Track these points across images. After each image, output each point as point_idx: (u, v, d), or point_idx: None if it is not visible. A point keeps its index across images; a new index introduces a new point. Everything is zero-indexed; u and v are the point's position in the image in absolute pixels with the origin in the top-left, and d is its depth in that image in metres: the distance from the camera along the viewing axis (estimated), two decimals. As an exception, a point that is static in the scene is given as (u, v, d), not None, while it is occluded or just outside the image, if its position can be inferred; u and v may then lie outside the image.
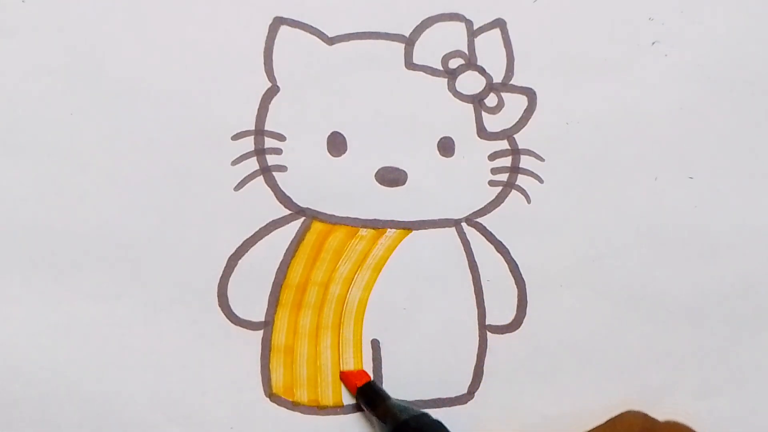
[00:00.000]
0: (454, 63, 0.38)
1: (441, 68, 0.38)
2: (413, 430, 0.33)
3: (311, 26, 0.38)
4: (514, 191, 0.38)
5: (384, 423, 0.34)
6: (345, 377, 0.37)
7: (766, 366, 0.38)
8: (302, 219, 0.37)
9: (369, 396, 0.36)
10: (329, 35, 0.38)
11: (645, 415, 0.34)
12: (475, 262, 0.38)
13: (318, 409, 0.37)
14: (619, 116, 0.38)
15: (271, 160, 0.37)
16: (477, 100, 0.38)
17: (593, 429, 0.33)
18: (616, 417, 0.33)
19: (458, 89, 0.38)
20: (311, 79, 0.38)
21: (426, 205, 0.38)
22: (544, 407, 0.37)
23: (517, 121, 0.38)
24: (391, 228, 0.38)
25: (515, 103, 0.38)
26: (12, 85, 0.37)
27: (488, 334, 0.37)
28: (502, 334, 0.37)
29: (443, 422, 0.36)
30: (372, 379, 0.36)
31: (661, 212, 0.38)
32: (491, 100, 0.38)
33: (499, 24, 0.38)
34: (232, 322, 0.37)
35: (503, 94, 0.38)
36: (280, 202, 0.37)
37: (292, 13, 0.38)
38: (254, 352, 0.37)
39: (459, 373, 0.37)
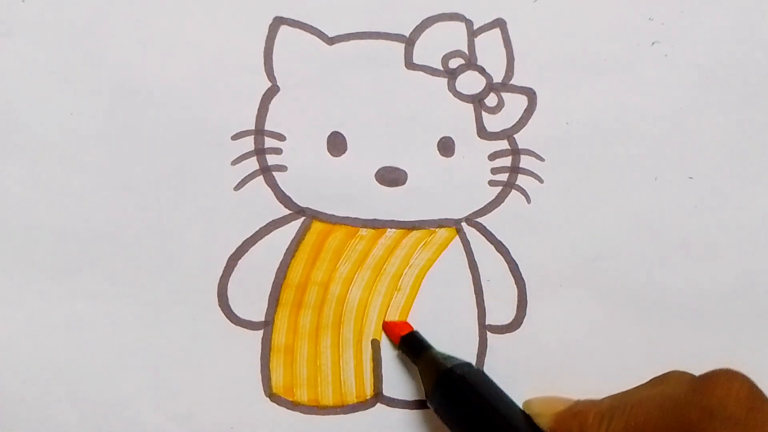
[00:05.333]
0: (454, 63, 0.38)
1: (441, 68, 0.38)
2: (458, 377, 0.34)
3: (311, 26, 0.38)
4: (514, 191, 0.38)
5: (427, 372, 0.35)
6: (387, 327, 0.37)
7: (766, 366, 0.38)
8: (302, 219, 0.37)
9: (412, 345, 0.36)
10: (329, 35, 0.38)
11: (691, 374, 0.33)
12: (475, 262, 0.38)
13: (318, 408, 0.37)
14: (619, 116, 0.38)
15: (271, 159, 0.37)
16: (477, 100, 0.38)
17: (637, 387, 0.32)
18: (661, 375, 0.32)
19: (458, 89, 0.38)
20: (311, 79, 0.38)
21: (426, 205, 0.38)
22: (544, 407, 0.37)
23: (517, 121, 0.38)
24: (391, 228, 0.38)
25: (515, 103, 0.38)
26: (12, 85, 0.37)
27: (488, 334, 0.38)
28: (502, 334, 0.38)
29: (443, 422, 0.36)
30: (414, 329, 0.37)
31: (661, 212, 0.38)
32: (491, 100, 0.38)
33: (499, 24, 0.38)
34: (232, 322, 0.37)
35: (503, 94, 0.38)
36: (280, 202, 0.37)
37: (292, 13, 0.38)
38: (254, 352, 0.37)
39: (459, 373, 0.37)
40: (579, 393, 0.37)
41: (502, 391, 0.34)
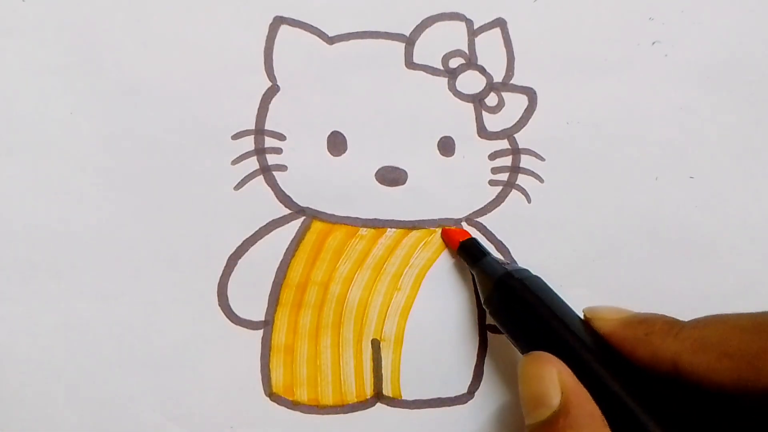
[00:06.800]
0: (455, 62, 0.38)
1: (441, 68, 0.38)
2: (517, 280, 0.34)
3: (311, 26, 0.38)
4: (514, 191, 0.38)
5: (485, 276, 0.35)
6: (446, 234, 0.37)
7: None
8: (302, 218, 0.37)
9: (471, 251, 0.36)
10: (329, 35, 0.38)
11: None
12: (475, 261, 0.38)
13: (318, 408, 0.37)
14: (619, 116, 0.38)
15: (271, 159, 0.37)
16: (477, 100, 0.38)
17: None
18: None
19: (458, 89, 0.38)
20: (311, 79, 0.38)
21: (426, 205, 0.38)
22: (544, 407, 0.37)
23: (518, 121, 0.38)
24: (391, 228, 0.38)
25: (515, 103, 0.38)
26: (12, 85, 0.37)
27: (488, 334, 0.37)
28: (503, 333, 0.37)
29: (442, 422, 0.36)
30: (473, 236, 0.37)
31: (662, 212, 0.38)
32: (491, 100, 0.38)
33: (500, 23, 0.38)
34: (232, 321, 0.37)
35: (503, 94, 0.38)
36: (280, 202, 0.37)
37: (292, 12, 0.38)
38: (254, 351, 0.37)
39: (459, 373, 0.37)
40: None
41: (560, 298, 0.34)
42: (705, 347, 0.29)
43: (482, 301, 0.35)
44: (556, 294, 0.34)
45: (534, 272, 0.37)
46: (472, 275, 0.37)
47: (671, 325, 0.30)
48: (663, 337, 0.30)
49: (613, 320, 0.32)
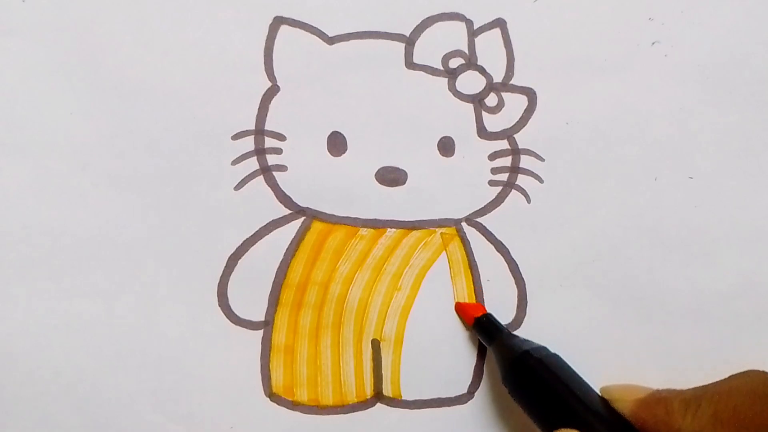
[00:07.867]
0: (455, 63, 0.38)
1: (441, 68, 0.38)
2: (535, 360, 0.34)
3: (311, 26, 0.38)
4: (514, 191, 0.38)
5: (503, 354, 0.35)
6: (461, 308, 0.37)
7: (766, 366, 0.38)
8: (302, 219, 0.37)
9: (486, 328, 0.36)
10: (329, 35, 0.38)
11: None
12: (475, 262, 0.38)
13: (318, 408, 0.37)
14: (619, 116, 0.38)
15: (272, 159, 0.37)
16: (477, 100, 0.38)
17: (717, 381, 0.32)
18: (739, 373, 0.32)
19: (458, 89, 0.38)
20: (311, 79, 0.38)
21: (426, 205, 0.38)
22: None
23: (517, 121, 0.38)
24: (391, 228, 0.38)
25: (515, 103, 0.38)
26: (12, 85, 0.37)
27: (488, 334, 0.38)
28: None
29: (442, 422, 0.36)
30: (488, 311, 0.37)
31: (661, 212, 0.38)
32: (491, 100, 0.38)
33: (500, 24, 0.38)
34: (232, 321, 0.37)
35: (503, 94, 0.38)
36: (280, 202, 0.37)
37: (292, 12, 0.38)
38: (254, 351, 0.37)
39: (459, 373, 0.37)
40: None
41: (579, 376, 0.34)
42: (723, 422, 0.30)
43: (501, 380, 0.35)
44: (575, 372, 0.34)
45: (534, 272, 0.37)
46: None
47: (688, 402, 0.31)
48: (683, 416, 0.30)
49: (631, 401, 0.32)
